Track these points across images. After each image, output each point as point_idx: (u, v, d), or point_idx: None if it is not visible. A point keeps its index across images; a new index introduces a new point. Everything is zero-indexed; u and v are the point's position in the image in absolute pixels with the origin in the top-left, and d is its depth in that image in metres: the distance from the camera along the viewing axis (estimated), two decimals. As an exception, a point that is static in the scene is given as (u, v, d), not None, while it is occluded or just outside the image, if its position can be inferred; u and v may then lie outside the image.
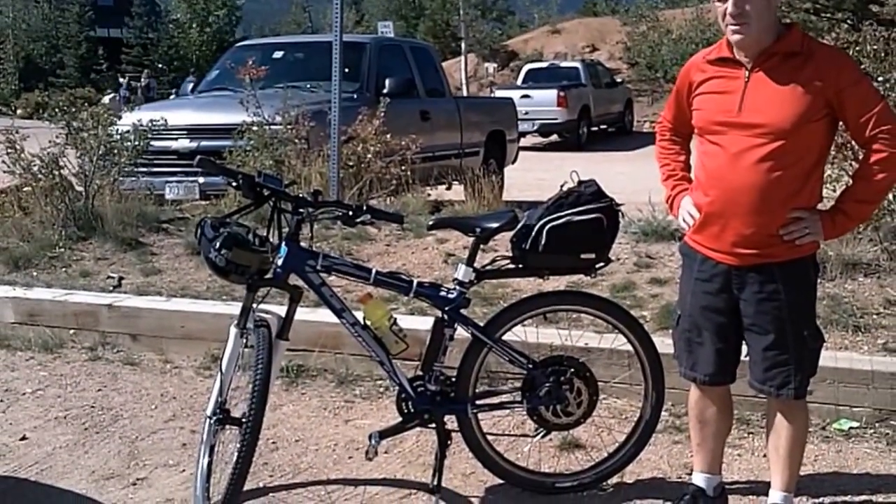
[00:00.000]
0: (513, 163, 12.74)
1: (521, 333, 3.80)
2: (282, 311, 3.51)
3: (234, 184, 3.48)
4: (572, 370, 3.61)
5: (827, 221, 3.02)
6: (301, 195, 3.53)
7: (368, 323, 3.55)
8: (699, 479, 3.45)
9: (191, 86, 11.47)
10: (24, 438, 4.30)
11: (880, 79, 5.33)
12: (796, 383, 3.09)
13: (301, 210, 3.45)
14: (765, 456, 3.52)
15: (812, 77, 2.91)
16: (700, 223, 3.14)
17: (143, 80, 36.20)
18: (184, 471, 3.92)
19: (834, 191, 3.94)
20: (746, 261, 3.05)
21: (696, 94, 3.15)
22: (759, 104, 2.95)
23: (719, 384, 3.32)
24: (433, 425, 3.59)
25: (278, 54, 10.75)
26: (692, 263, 3.24)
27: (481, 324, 3.67)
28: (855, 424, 4.17)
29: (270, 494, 3.72)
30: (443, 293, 3.58)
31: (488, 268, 3.63)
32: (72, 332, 5.66)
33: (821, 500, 3.58)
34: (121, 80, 36.17)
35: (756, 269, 3.05)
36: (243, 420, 3.24)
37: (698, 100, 3.14)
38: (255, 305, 3.46)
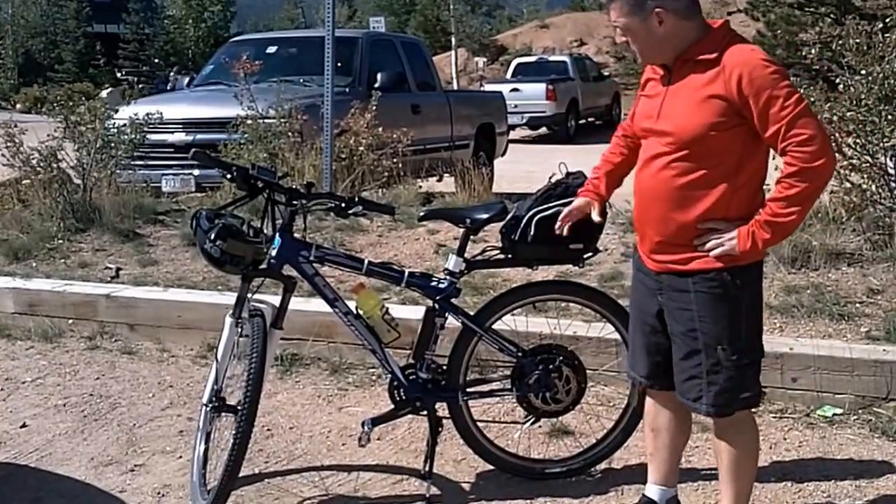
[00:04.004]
0: (502, 155, 12.77)
1: (511, 322, 3.82)
2: (276, 300, 3.53)
3: (228, 176, 3.50)
4: (561, 358, 3.64)
5: (743, 236, 2.73)
6: (294, 187, 3.56)
7: (361, 312, 3.58)
8: (652, 490, 3.28)
9: (186, 80, 11.51)
10: (24, 426, 4.35)
11: (863, 72, 5.35)
12: (709, 400, 2.86)
13: (294, 202, 3.48)
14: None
15: (719, 85, 2.68)
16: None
17: (171, 76, 36.52)
18: (181, 457, 3.97)
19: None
20: (661, 268, 2.92)
21: (640, 94, 3.05)
22: (671, 112, 2.80)
23: (656, 388, 3.14)
24: (425, 412, 3.62)
25: (272, 49, 10.76)
26: (635, 264, 3.16)
27: (472, 313, 3.70)
28: (838, 411, 4.20)
29: (265, 480, 3.76)
30: (434, 283, 3.61)
31: (478, 258, 3.67)
32: (70, 321, 5.70)
33: (805, 485, 3.61)
34: (173, 75, 36.39)
35: (672, 276, 2.89)
36: (238, 408, 3.28)
37: (640, 101, 3.05)
38: (249, 295, 3.50)
